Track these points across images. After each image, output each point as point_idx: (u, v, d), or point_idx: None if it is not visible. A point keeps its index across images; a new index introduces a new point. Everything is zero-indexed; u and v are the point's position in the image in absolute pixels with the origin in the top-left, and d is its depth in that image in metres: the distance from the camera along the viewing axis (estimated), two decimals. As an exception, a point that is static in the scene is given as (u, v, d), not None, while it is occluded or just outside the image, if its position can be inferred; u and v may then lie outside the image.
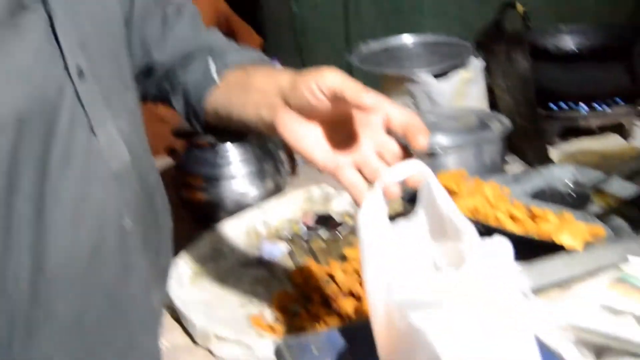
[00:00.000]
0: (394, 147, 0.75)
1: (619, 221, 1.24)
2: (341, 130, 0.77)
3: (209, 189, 1.47)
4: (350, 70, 2.65)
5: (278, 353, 0.78)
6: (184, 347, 1.07)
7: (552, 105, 1.75)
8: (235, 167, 1.48)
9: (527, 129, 1.62)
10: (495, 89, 1.76)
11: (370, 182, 0.73)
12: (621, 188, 1.37)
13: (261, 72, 0.87)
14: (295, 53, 2.72)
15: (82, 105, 0.73)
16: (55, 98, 0.70)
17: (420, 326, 0.58)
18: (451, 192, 1.21)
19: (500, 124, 1.52)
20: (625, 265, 1.07)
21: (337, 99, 0.72)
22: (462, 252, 0.65)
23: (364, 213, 0.67)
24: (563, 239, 1.06)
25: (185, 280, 1.21)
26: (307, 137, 0.76)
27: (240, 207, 1.43)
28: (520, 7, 2.00)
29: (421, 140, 0.69)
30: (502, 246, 0.63)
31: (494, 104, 1.79)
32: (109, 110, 0.76)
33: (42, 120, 0.68)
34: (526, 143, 1.63)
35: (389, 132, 0.75)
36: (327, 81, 0.72)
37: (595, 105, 1.72)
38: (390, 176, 0.69)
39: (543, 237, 1.10)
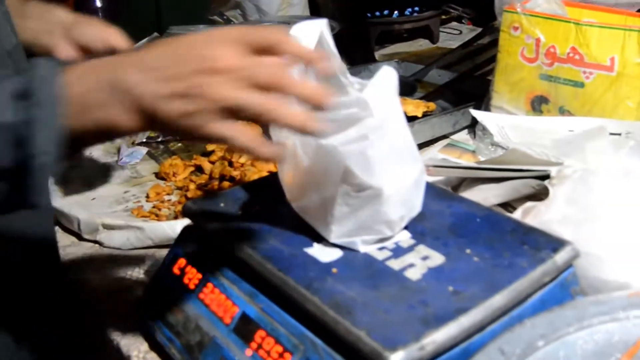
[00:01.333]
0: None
1: (440, 101, 1.44)
2: None
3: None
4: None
5: (186, 211, 0.83)
6: (70, 245, 1.07)
7: (368, 14, 1.92)
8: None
9: (353, 33, 1.76)
10: (317, -2, 1.89)
11: None
12: (438, 77, 1.57)
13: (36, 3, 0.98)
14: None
15: None
16: None
17: (330, 142, 0.68)
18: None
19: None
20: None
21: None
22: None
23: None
24: (406, 108, 1.22)
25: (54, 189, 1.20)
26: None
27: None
28: None
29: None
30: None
31: (316, 12, 1.92)
32: None
33: None
34: (352, 46, 1.78)
35: None
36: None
37: (406, 10, 1.92)
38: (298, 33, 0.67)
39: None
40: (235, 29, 0.59)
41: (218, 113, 0.57)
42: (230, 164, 1.19)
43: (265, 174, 1.10)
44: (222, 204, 0.84)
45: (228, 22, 1.77)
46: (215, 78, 0.56)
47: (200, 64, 0.56)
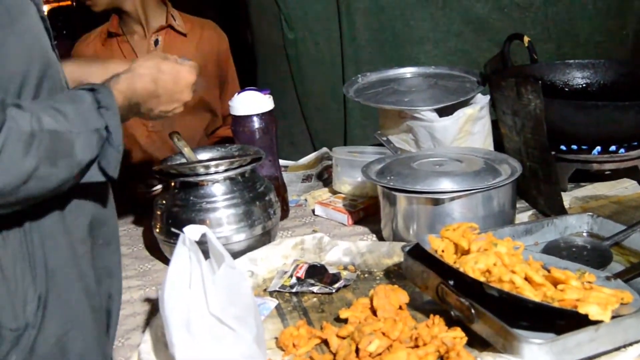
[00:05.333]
0: None
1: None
2: None
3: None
4: (345, 100, 2.55)
5: None
6: None
7: (562, 147, 1.63)
8: (221, 209, 1.35)
9: (538, 172, 1.50)
10: (502, 127, 1.64)
11: None
12: (643, 242, 1.25)
13: (94, 65, 1.32)
14: (288, 82, 2.61)
15: None
16: None
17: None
18: (461, 250, 1.09)
19: (510, 167, 1.40)
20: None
21: None
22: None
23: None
24: (589, 310, 0.94)
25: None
26: None
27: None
28: (526, 39, 1.90)
29: None
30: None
31: (499, 143, 1.67)
32: None
33: None
34: (537, 188, 1.51)
35: None
36: None
37: (609, 147, 1.61)
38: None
39: (566, 307, 0.97)
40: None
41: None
42: (357, 350, 0.98)
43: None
44: None
45: (395, 150, 1.59)
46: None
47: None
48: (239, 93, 1.57)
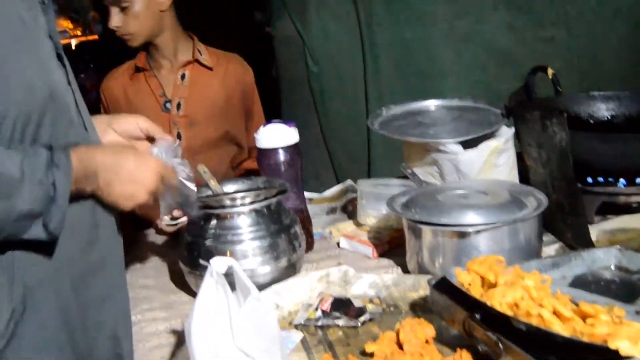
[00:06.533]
0: None
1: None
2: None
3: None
4: (368, 133, 2.56)
5: None
6: None
7: (589, 179, 1.62)
8: (247, 242, 1.36)
9: (564, 205, 1.49)
10: (527, 160, 1.64)
11: None
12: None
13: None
14: (312, 114, 2.63)
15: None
16: None
17: None
18: (488, 283, 1.08)
19: (536, 200, 1.40)
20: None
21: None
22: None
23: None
24: (620, 345, 0.92)
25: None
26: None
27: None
28: (550, 71, 1.90)
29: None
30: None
31: (524, 176, 1.66)
32: None
33: None
34: (564, 221, 1.50)
35: None
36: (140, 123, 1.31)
37: (635, 179, 1.59)
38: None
39: (596, 341, 0.96)
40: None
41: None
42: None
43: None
44: None
45: (420, 182, 1.59)
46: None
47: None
48: (264, 125, 1.59)
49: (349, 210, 1.89)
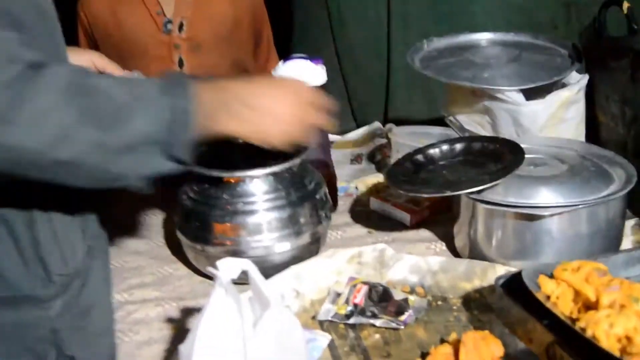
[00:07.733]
0: None
1: None
2: None
3: (222, 241, 1.08)
4: (389, 58, 2.26)
5: None
6: None
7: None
8: (261, 212, 1.08)
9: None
10: (601, 115, 1.35)
11: None
12: None
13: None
14: (327, 36, 2.32)
15: None
16: None
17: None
18: (583, 300, 0.82)
19: (625, 172, 1.12)
20: None
21: None
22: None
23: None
24: None
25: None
26: None
27: (265, 269, 1.03)
28: (626, 4, 1.58)
29: None
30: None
31: (592, 133, 1.38)
32: None
33: None
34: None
35: None
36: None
37: None
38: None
39: None
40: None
41: None
42: None
43: None
44: None
45: (462, 129, 1.32)
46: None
47: None
48: (284, 61, 1.29)
49: (377, 159, 1.61)
